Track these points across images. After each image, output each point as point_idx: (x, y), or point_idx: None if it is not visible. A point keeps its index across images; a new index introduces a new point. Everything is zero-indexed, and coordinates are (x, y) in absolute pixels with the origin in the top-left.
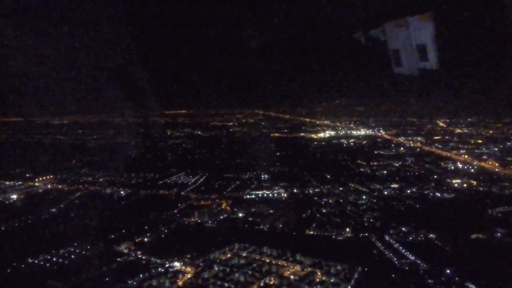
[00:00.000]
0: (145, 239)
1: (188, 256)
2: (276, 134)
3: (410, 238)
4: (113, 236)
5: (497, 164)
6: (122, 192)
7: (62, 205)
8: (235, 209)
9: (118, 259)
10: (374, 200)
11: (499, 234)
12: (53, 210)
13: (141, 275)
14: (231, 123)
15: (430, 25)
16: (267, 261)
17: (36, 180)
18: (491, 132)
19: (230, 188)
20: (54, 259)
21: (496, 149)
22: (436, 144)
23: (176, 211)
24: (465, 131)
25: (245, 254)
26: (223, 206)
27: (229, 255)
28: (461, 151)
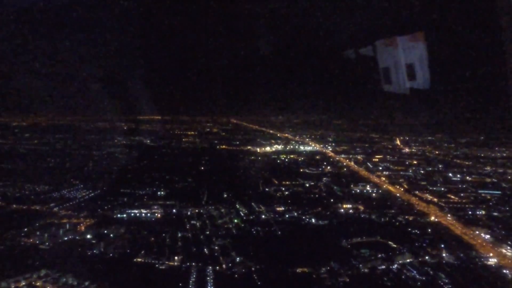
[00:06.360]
0: None
1: None
2: (223, 147)
3: (235, 269)
4: None
5: (402, 189)
6: None
7: None
8: (88, 230)
9: None
10: (242, 225)
11: (328, 268)
12: None
13: None
14: (191, 132)
15: (420, 45)
16: None
17: None
18: (436, 152)
19: (109, 206)
20: None
21: (423, 171)
22: (368, 163)
23: (26, 229)
24: (413, 150)
25: (39, 283)
26: (80, 226)
27: (22, 283)
28: (385, 172)
